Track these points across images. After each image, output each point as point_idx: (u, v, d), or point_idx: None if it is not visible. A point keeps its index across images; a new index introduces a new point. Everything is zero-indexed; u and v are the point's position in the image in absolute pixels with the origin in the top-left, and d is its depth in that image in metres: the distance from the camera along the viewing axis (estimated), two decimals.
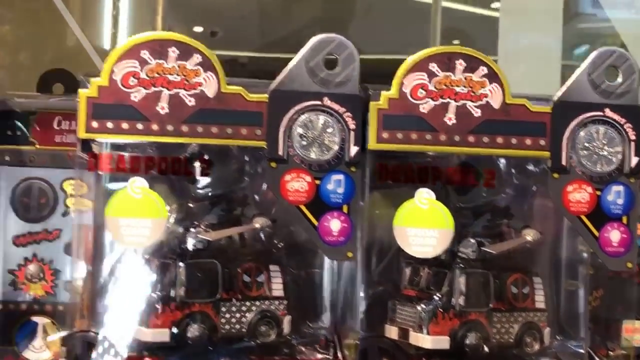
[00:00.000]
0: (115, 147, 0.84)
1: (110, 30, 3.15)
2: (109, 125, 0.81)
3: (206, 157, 0.86)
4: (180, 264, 0.83)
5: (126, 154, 0.84)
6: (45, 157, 1.00)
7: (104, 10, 3.17)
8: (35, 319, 1.00)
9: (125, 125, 0.81)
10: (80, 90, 0.81)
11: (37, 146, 1.00)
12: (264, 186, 0.88)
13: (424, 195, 0.83)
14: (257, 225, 0.86)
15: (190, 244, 0.84)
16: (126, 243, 0.81)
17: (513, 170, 0.89)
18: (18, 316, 0.99)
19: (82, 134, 0.81)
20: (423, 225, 0.82)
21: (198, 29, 3.60)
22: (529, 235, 0.87)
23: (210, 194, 0.88)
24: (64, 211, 1.01)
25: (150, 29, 3.38)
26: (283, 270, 0.88)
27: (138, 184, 0.81)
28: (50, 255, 1.00)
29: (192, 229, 0.85)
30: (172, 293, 0.83)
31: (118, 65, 0.81)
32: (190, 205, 0.88)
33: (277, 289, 0.88)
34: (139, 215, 0.80)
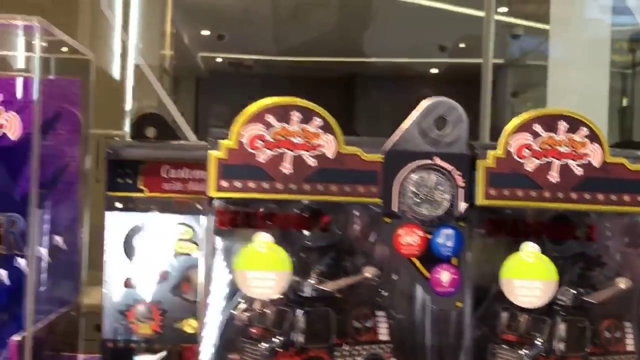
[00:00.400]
0: (232, 202, 0.90)
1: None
2: (237, 184, 0.86)
3: (318, 210, 0.92)
4: (299, 311, 0.89)
5: (243, 209, 0.90)
6: (153, 204, 1.06)
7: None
8: (143, 357, 1.06)
9: (252, 184, 0.86)
10: (210, 152, 0.87)
11: (146, 194, 1.06)
12: (371, 238, 0.94)
13: (529, 249, 0.89)
14: (368, 275, 0.92)
15: (307, 292, 0.90)
16: (254, 294, 0.87)
17: (607, 224, 0.94)
18: (128, 355, 1.05)
19: (213, 193, 0.87)
20: (529, 277, 0.88)
21: (205, 32, 3.66)
22: (622, 283, 0.93)
23: (320, 244, 0.94)
24: (172, 254, 1.07)
25: (159, 36, 3.44)
26: (388, 316, 0.94)
27: (263, 239, 0.87)
28: (158, 296, 1.06)
29: (309, 279, 0.91)
30: (292, 338, 0.89)
31: (245, 128, 0.87)
32: (302, 254, 0.94)
33: (383, 333, 0.94)
34: (265, 268, 0.86)
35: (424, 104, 0.89)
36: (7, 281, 1.07)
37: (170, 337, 1.05)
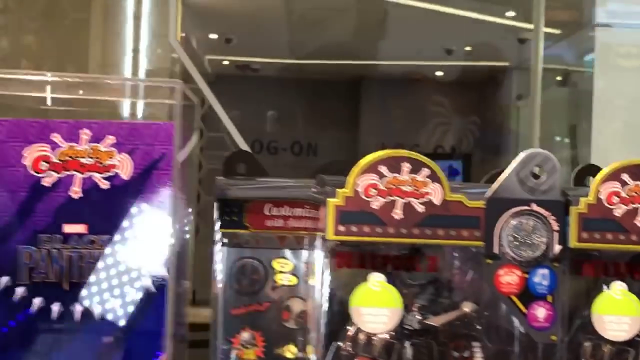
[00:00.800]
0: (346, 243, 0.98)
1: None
2: (353, 228, 0.95)
3: (418, 250, 1.01)
4: (407, 343, 0.98)
5: (355, 250, 0.99)
6: (257, 239, 1.15)
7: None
8: None
9: (366, 229, 0.95)
10: (329, 200, 0.95)
11: (251, 230, 1.15)
12: (468, 276, 1.02)
13: (618, 287, 0.98)
14: (467, 310, 1.01)
15: (413, 325, 0.99)
16: (368, 329, 0.96)
17: None
18: None
19: (331, 236, 0.95)
20: (618, 313, 0.97)
21: (213, 36, 3.75)
22: None
23: (421, 281, 1.02)
24: (273, 286, 1.15)
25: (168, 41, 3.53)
26: (483, 347, 1.03)
27: (377, 278, 0.96)
28: (261, 324, 1.15)
29: (412, 313, 1.00)
30: None
31: (360, 178, 0.95)
32: (404, 290, 1.03)
33: None
34: (379, 305, 0.95)
35: (522, 155, 0.97)
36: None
37: None
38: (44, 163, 1.14)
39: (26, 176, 1.14)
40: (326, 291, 0.99)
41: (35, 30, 3.33)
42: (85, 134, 1.15)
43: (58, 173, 1.15)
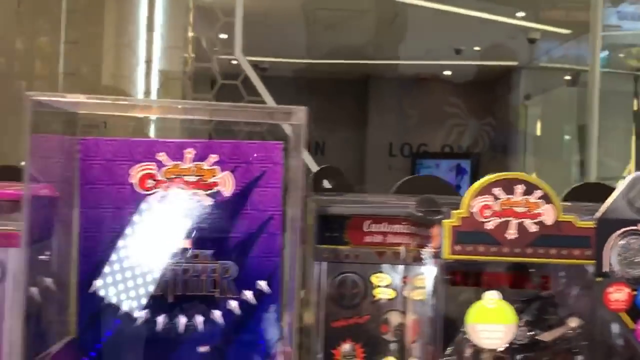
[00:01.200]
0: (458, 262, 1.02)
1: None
2: (469, 248, 0.99)
3: (524, 267, 1.05)
4: (518, 357, 1.02)
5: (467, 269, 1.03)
6: (357, 254, 1.19)
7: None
8: None
9: (481, 249, 0.99)
10: (445, 221, 0.99)
11: (351, 245, 1.19)
12: (573, 292, 1.06)
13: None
14: (573, 325, 1.05)
15: (522, 340, 1.03)
16: (484, 345, 1.00)
17: None
18: None
19: (447, 255, 0.99)
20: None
21: (223, 36, 3.78)
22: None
23: (527, 297, 1.07)
24: (372, 300, 1.19)
25: (183, 44, 3.57)
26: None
27: (491, 296, 1.00)
28: (361, 336, 1.19)
29: (521, 328, 1.04)
30: None
31: (475, 200, 0.99)
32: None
33: None
34: (494, 322, 0.99)
35: (629, 178, 1.02)
36: (220, 321, 1.19)
37: None
38: (150, 181, 1.18)
39: (133, 193, 1.18)
40: (440, 307, 1.03)
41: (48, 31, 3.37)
42: (189, 152, 1.19)
43: (164, 190, 1.18)
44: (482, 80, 8.19)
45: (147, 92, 3.48)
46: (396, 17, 6.54)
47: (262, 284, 1.20)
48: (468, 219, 0.99)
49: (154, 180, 1.18)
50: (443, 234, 0.99)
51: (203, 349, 1.19)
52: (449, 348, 1.04)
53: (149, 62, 3.46)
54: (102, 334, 1.17)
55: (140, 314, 1.18)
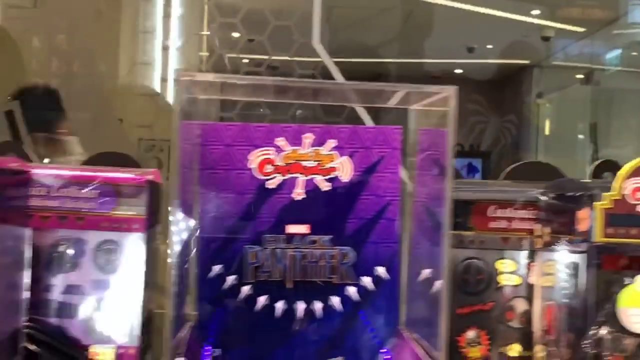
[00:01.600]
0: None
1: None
2: (621, 231, 0.98)
3: None
4: None
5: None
6: (481, 240, 1.17)
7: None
8: None
9: (633, 232, 0.98)
10: (596, 204, 0.98)
11: (475, 231, 1.17)
12: None
13: None
14: None
15: None
16: (634, 329, 0.99)
17: None
18: None
19: (599, 238, 0.98)
20: None
21: (236, 34, 3.77)
22: None
23: None
24: (497, 286, 1.18)
25: (198, 38, 3.56)
26: None
27: None
28: (485, 323, 1.17)
29: None
30: None
31: (627, 182, 0.98)
32: None
33: None
34: None
35: None
36: (339, 307, 1.18)
37: None
38: (269, 166, 1.17)
39: (252, 178, 1.17)
40: (590, 292, 1.01)
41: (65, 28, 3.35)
42: (307, 137, 1.17)
43: (282, 175, 1.17)
44: (496, 78, 8.19)
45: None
46: (410, 15, 6.53)
47: (381, 270, 1.19)
48: (620, 201, 0.98)
49: (273, 165, 1.16)
50: (594, 216, 0.98)
51: None
52: (590, 333, 1.03)
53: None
54: (221, 319, 1.15)
55: (260, 300, 1.16)
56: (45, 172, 1.09)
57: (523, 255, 1.17)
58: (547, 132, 7.94)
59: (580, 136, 7.15)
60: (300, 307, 1.17)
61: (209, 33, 3.48)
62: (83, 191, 1.10)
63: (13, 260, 0.92)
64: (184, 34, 3.47)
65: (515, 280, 1.16)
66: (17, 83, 2.68)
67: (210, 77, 1.00)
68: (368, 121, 2.41)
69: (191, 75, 0.98)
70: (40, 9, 3.22)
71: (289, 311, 1.17)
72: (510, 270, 1.16)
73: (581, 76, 7.22)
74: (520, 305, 1.16)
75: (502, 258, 1.17)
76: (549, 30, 6.84)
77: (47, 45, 3.32)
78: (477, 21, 6.35)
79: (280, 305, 1.17)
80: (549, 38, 7.01)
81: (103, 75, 3.49)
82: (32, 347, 1.02)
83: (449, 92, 1.00)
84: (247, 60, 3.68)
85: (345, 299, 1.18)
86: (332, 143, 1.18)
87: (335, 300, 1.18)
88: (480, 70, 7.97)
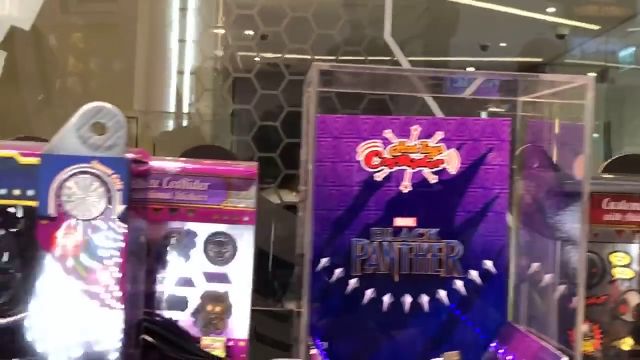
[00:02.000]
0: None
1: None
2: None
3: None
4: None
5: None
6: (595, 233, 1.15)
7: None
8: None
9: None
10: None
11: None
12: None
13: None
14: None
15: None
16: None
17: None
18: None
19: None
20: None
21: (249, 32, 3.78)
22: None
23: None
24: (610, 279, 1.16)
25: (214, 37, 3.56)
26: None
27: None
28: (598, 317, 1.15)
29: None
30: None
31: None
32: None
33: None
34: None
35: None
36: (446, 301, 1.17)
37: (610, 354, 1.14)
38: (376, 158, 1.16)
39: (360, 171, 1.16)
40: None
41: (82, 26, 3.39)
42: (415, 129, 1.16)
43: (390, 168, 1.16)
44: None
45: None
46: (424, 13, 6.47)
47: (488, 264, 1.17)
48: None
49: (380, 157, 1.15)
50: None
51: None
52: None
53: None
54: (329, 312, 1.15)
55: (367, 293, 1.16)
56: (157, 164, 1.09)
57: (636, 248, 1.14)
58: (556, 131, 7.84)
59: (595, 135, 7.05)
60: (407, 300, 1.16)
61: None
62: (194, 183, 1.10)
63: (136, 252, 0.92)
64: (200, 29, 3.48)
65: (628, 273, 1.14)
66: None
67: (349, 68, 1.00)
68: (438, 112, 2.39)
69: (331, 67, 0.97)
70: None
71: (396, 304, 1.16)
72: (623, 263, 1.14)
73: (594, 74, 7.12)
74: (634, 299, 1.14)
75: (616, 251, 1.14)
76: (563, 28, 6.75)
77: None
78: (491, 19, 6.28)
79: (387, 299, 1.16)
80: (563, 36, 6.91)
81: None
82: (149, 339, 1.02)
83: (585, 80, 0.96)
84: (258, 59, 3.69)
85: (453, 293, 1.17)
86: (439, 135, 1.17)
87: (442, 294, 1.17)
88: (493, 68, 7.87)
